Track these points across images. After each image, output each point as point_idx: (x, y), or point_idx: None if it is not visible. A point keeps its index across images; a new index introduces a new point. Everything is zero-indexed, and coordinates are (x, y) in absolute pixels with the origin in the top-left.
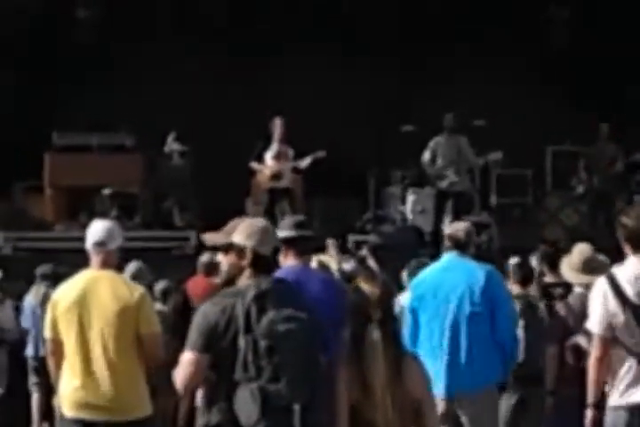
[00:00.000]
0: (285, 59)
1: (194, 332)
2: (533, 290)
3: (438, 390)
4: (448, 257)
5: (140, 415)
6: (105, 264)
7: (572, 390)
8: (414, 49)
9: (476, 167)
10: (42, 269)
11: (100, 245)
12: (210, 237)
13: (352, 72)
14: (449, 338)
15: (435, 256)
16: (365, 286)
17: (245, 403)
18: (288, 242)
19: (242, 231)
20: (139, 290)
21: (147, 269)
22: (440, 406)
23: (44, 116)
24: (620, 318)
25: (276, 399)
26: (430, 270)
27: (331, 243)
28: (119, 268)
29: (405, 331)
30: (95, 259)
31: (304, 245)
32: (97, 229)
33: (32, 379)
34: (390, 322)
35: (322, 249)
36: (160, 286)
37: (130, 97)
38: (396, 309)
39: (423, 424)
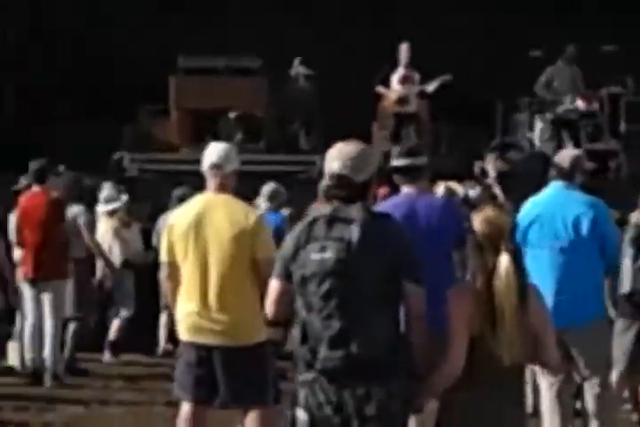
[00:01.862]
0: None
1: None
2: None
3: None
4: (553, 187)
5: (254, 341)
6: (221, 188)
7: None
8: None
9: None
10: (178, 192)
11: (215, 167)
12: None
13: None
14: (559, 271)
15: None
16: (495, 216)
17: None
18: (398, 171)
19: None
20: (255, 214)
21: (282, 189)
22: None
23: (170, 39)
24: None
25: None
26: (538, 201)
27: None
28: (238, 192)
29: None
30: (211, 182)
31: (416, 173)
32: (213, 152)
33: (164, 299)
34: (518, 252)
35: (451, 175)
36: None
37: (254, 22)
38: None
39: (544, 359)
